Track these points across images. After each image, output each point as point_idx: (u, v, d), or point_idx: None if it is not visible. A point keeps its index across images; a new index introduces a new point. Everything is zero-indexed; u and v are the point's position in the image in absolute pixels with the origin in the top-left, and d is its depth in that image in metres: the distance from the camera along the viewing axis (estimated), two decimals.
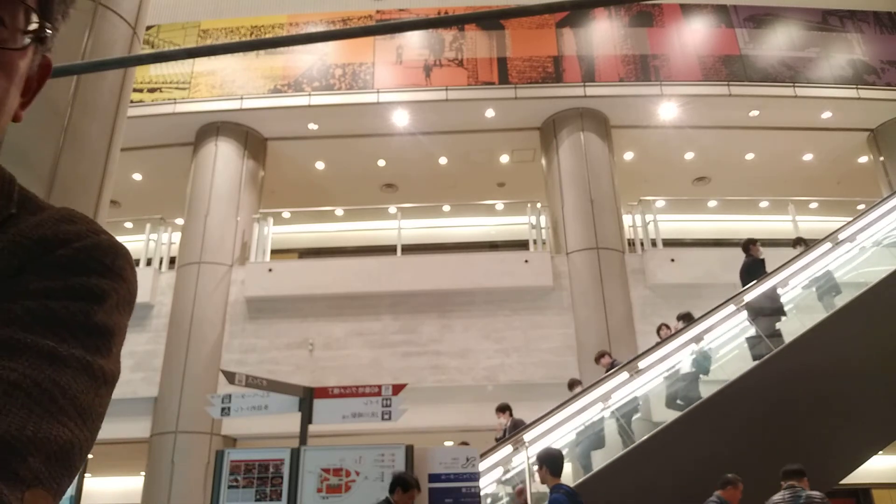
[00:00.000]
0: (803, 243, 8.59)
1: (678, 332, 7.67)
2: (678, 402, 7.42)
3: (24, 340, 0.52)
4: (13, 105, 0.59)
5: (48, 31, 0.60)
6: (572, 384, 8.27)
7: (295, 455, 5.40)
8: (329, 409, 5.77)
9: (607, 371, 7.55)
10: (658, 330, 8.53)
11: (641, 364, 7.52)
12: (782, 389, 6.74)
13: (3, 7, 0.55)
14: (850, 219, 8.83)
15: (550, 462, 5.09)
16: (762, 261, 8.62)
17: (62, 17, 0.62)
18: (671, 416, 6.99)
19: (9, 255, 0.56)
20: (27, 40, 0.58)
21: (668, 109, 12.26)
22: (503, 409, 7.83)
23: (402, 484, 4.77)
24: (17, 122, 0.61)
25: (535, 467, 5.37)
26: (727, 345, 8.08)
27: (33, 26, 0.58)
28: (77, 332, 0.55)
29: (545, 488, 7.05)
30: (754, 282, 8.09)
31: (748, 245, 8.85)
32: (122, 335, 0.60)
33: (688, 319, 7.96)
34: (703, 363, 7.68)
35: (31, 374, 0.51)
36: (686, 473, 6.38)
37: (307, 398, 5.80)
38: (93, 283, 0.58)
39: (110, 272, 0.59)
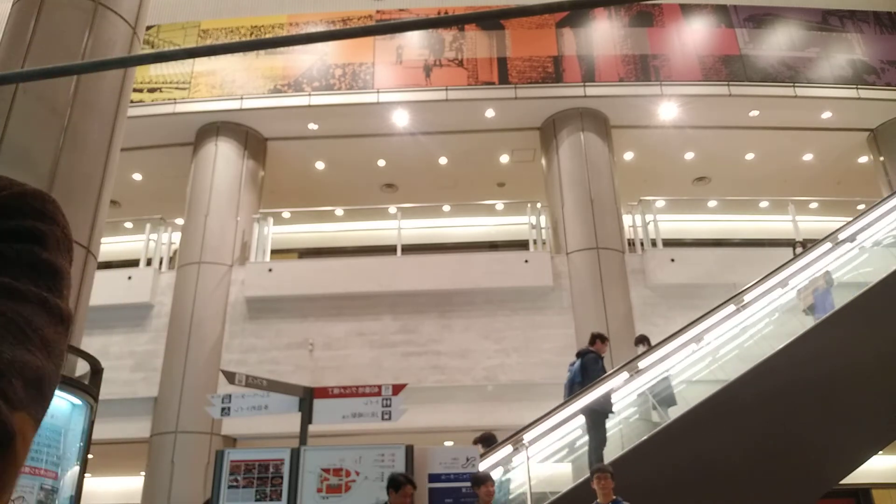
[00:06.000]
0: (646, 343, 8.27)
1: (488, 452, 6.82)
2: None
3: None
4: None
5: None
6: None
7: (295, 455, 5.41)
8: (329, 409, 5.77)
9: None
10: (476, 442, 7.31)
11: (642, 363, 7.52)
12: (782, 389, 6.73)
13: None
14: (850, 219, 8.82)
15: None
16: None
17: None
18: (669, 417, 6.99)
19: None
20: None
21: (668, 109, 12.26)
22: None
23: (393, 485, 4.74)
24: None
25: (601, 480, 5.35)
26: (727, 344, 8.08)
27: None
28: (27, 271, 0.55)
29: (543, 488, 7.05)
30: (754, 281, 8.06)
31: None
32: (68, 278, 0.60)
33: (488, 442, 7.18)
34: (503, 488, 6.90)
35: None
36: (684, 474, 6.38)
37: (307, 398, 5.80)
38: (29, 224, 0.58)
39: (43, 216, 0.60)
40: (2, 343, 0.49)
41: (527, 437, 6.89)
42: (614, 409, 7.26)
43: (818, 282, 8.14)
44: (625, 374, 7.42)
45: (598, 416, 7.05)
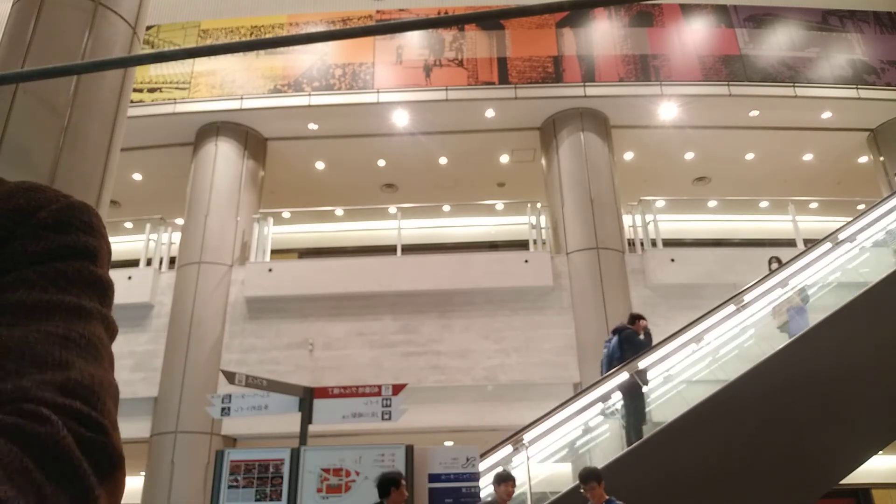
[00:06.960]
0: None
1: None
2: None
3: (52, 300, 0.54)
4: None
5: None
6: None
7: (295, 455, 5.41)
8: (329, 409, 5.78)
9: None
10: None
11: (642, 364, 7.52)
12: (782, 389, 6.74)
13: None
14: (850, 219, 8.83)
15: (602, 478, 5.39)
16: None
17: None
18: (670, 416, 6.98)
19: None
20: None
21: (668, 109, 12.26)
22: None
23: (394, 483, 4.69)
24: None
25: (587, 487, 5.33)
26: (727, 344, 8.09)
27: None
28: (86, 289, 0.58)
29: (544, 488, 7.06)
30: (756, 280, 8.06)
31: None
32: (114, 290, 0.63)
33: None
34: None
35: (73, 327, 0.53)
36: (684, 474, 6.38)
37: (307, 398, 5.80)
38: (83, 240, 0.60)
39: (91, 229, 0.62)
40: (89, 365, 0.51)
41: (527, 437, 6.90)
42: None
43: (793, 300, 8.14)
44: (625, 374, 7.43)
45: (635, 389, 7.17)
